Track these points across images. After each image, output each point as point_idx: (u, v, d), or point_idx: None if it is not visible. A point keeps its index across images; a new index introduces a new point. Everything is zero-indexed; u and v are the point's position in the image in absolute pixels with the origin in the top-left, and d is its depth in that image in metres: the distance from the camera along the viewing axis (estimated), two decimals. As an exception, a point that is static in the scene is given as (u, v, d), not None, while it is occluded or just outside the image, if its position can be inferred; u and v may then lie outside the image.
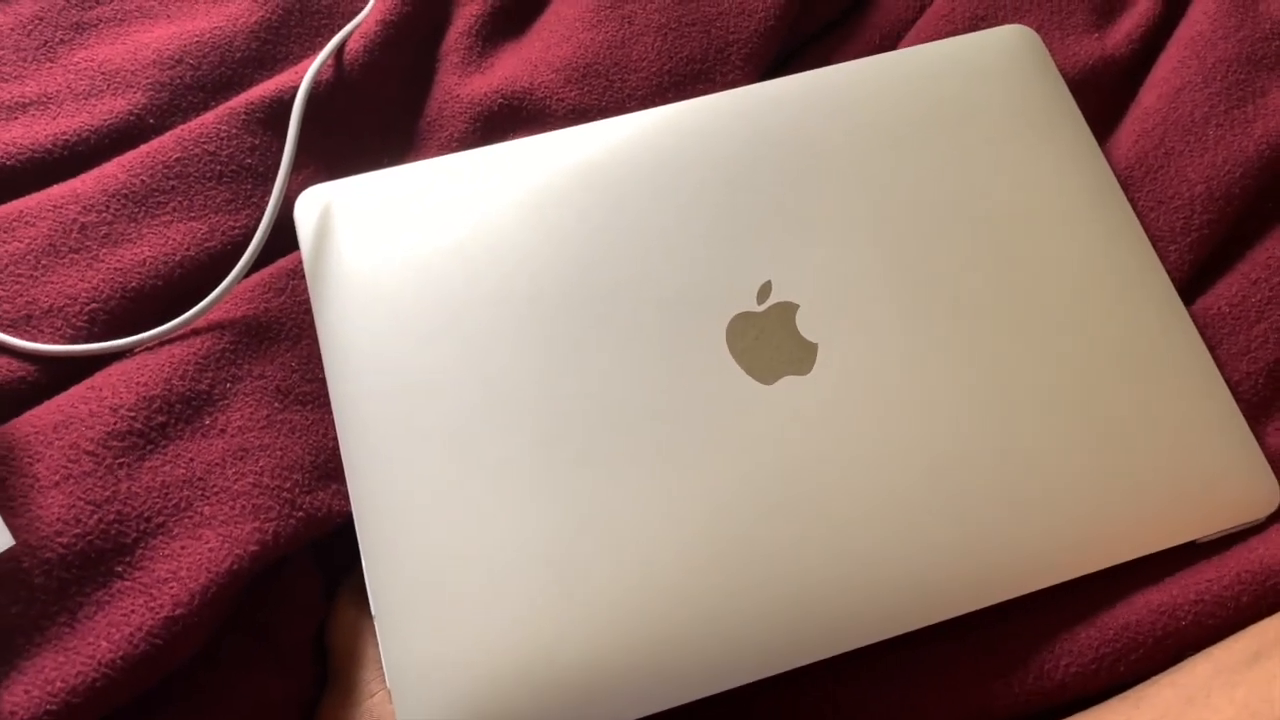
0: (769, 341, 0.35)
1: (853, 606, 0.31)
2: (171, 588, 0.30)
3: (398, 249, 0.36)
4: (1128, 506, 0.33)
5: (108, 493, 0.31)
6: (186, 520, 0.31)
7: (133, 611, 0.29)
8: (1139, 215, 0.39)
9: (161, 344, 0.35)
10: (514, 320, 0.35)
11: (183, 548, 0.31)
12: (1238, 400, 0.36)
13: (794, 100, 0.40)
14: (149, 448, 0.32)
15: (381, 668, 0.32)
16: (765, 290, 0.36)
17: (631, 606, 0.31)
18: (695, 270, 0.36)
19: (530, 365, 0.34)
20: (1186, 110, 0.41)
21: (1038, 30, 0.43)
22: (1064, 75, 0.42)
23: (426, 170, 0.38)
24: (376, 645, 0.32)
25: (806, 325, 0.35)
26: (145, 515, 0.31)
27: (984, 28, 0.44)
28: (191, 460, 0.32)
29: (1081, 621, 0.32)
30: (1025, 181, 0.38)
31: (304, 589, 0.34)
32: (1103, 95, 0.43)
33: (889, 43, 0.46)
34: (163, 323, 0.35)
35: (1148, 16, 0.44)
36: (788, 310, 0.35)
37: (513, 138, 0.42)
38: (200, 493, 0.32)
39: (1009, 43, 0.42)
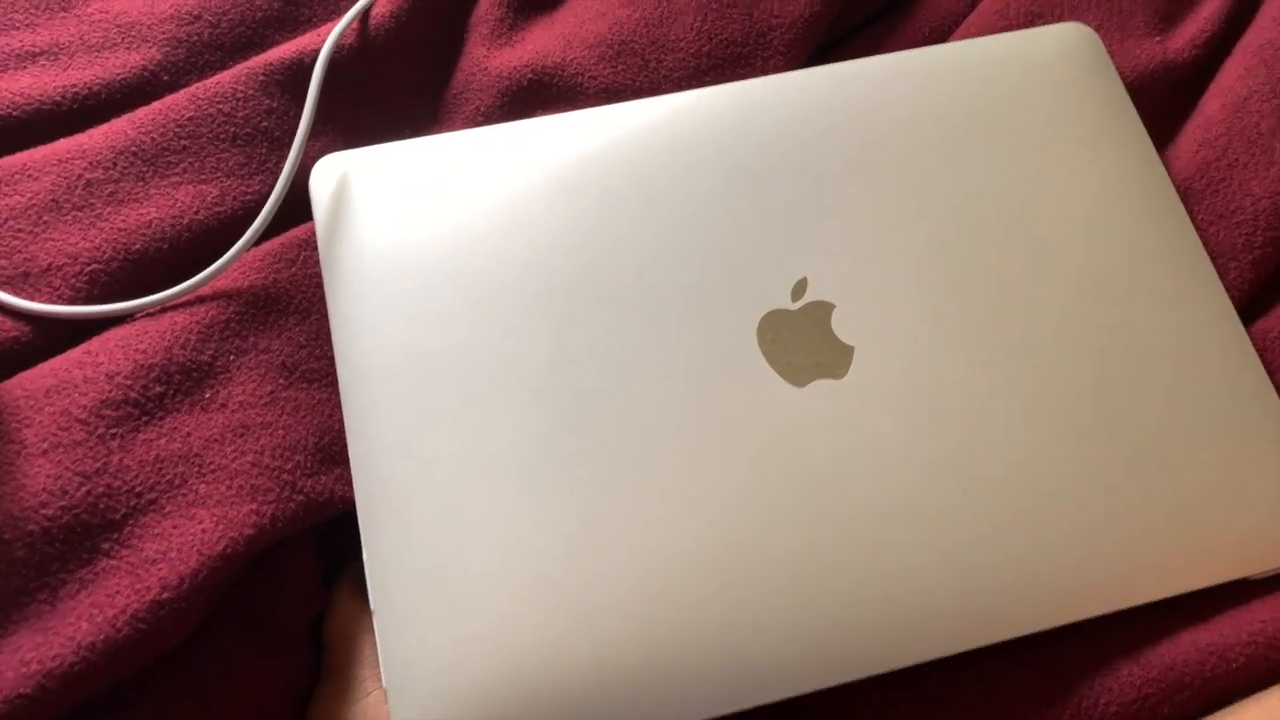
0: (802, 342, 0.33)
1: (875, 630, 0.30)
2: (160, 569, 0.28)
3: (416, 224, 0.34)
4: (1176, 537, 0.31)
5: (98, 464, 0.29)
6: (180, 498, 0.29)
7: (117, 592, 0.27)
8: (1198, 229, 0.38)
9: (163, 310, 0.33)
10: (534, 306, 0.33)
11: (174, 527, 0.29)
12: (1297, 430, 0.34)
13: (837, 89, 0.38)
14: (144, 419, 0.31)
15: (379, 666, 0.30)
16: (800, 288, 0.34)
17: (641, 614, 0.29)
18: (726, 263, 0.34)
19: (549, 354, 0.32)
20: (1253, 121, 0.39)
21: (1096, 30, 0.41)
22: (1122, 78, 0.40)
23: (450, 143, 0.36)
24: (375, 641, 0.31)
25: (842, 327, 0.33)
26: (136, 491, 0.29)
27: (1040, 24, 0.42)
28: (189, 435, 0.31)
29: (1124, 657, 0.30)
30: (1078, 187, 0.37)
31: (303, 576, 0.32)
32: (1162, 101, 0.41)
33: (939, 35, 0.44)
34: (166, 288, 0.33)
35: (1213, 21, 0.42)
36: (823, 310, 0.34)
37: (541, 114, 0.40)
38: (196, 470, 0.30)
39: (1066, 41, 0.40)
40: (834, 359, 0.33)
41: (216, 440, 0.31)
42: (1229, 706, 0.29)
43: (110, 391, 0.30)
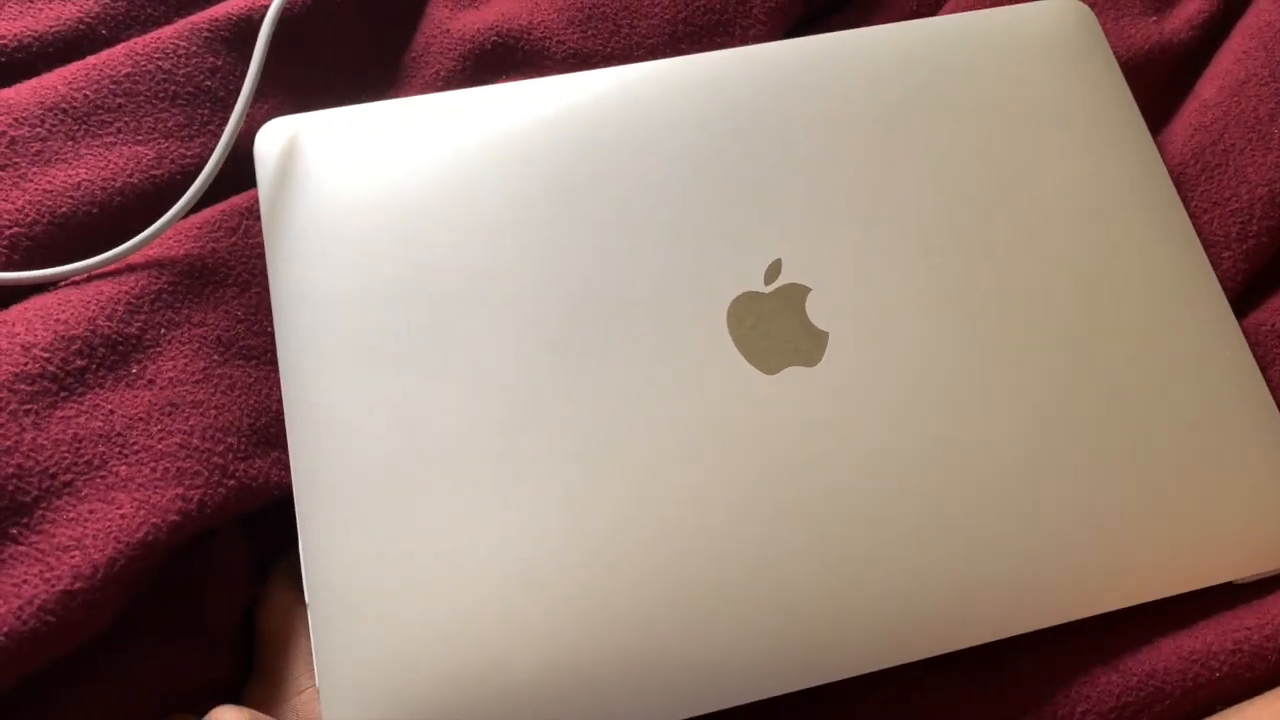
0: (775, 327, 0.31)
1: (845, 631, 0.28)
2: (73, 557, 0.26)
3: (367, 194, 0.32)
4: (1160, 538, 0.30)
5: (9, 442, 0.27)
6: (99, 480, 0.27)
7: (25, 581, 0.25)
8: (1191, 217, 0.36)
9: (89, 279, 0.31)
10: (490, 285, 0.31)
11: (91, 511, 0.27)
12: (1288, 428, 0.32)
13: (820, 62, 0.36)
14: (63, 394, 0.28)
15: (312, 662, 0.28)
16: (774, 270, 0.32)
17: (594, 614, 0.28)
18: (698, 242, 0.32)
19: (505, 335, 0.31)
20: (1250, 105, 0.37)
21: (1090, 7, 0.39)
22: (1117, 58, 0.38)
23: (406, 109, 0.34)
24: (309, 636, 0.29)
25: (817, 311, 0.32)
26: (50, 471, 0.27)
27: None
28: (111, 413, 0.29)
29: (1102, 664, 0.29)
30: (1069, 170, 0.35)
31: (233, 566, 0.30)
32: (1157, 83, 0.40)
33: (928, 9, 0.42)
34: (94, 255, 0.31)
35: (1211, 1, 0.40)
36: (797, 294, 0.32)
37: (505, 80, 0.38)
38: (118, 450, 0.28)
39: (1061, 17, 0.38)
40: (808, 345, 0.31)
41: (142, 419, 0.29)
42: (1209, 718, 0.28)
43: (26, 364, 0.28)
